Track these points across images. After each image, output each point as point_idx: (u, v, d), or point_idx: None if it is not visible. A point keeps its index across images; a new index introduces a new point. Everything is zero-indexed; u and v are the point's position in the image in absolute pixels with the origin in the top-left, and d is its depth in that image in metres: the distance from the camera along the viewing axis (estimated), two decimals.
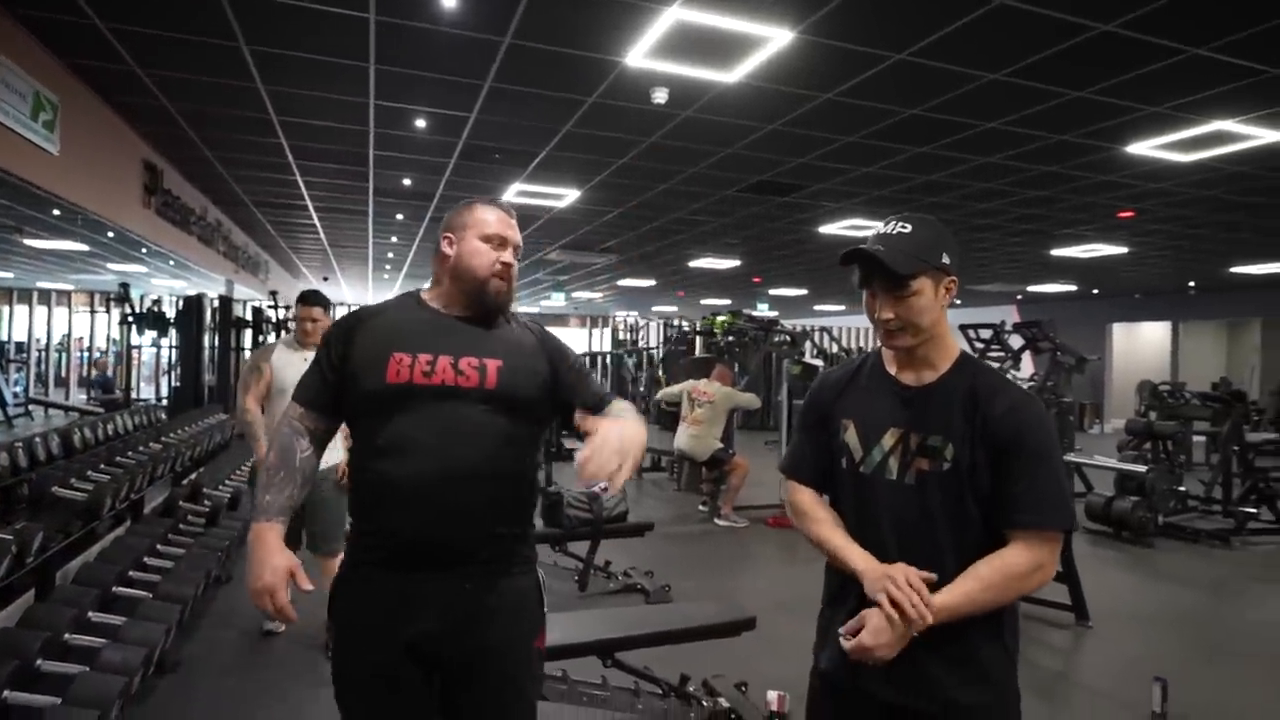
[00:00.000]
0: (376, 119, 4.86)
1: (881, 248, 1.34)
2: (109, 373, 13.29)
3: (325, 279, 15.75)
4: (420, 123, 4.93)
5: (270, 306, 9.14)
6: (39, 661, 2.38)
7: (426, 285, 1.64)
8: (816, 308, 19.35)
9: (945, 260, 1.36)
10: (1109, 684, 3.37)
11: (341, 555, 1.80)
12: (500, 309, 1.57)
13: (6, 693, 2.19)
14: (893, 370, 1.44)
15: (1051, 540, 1.31)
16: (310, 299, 3.50)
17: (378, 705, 1.45)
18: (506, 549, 1.50)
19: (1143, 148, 4.97)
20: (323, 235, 9.93)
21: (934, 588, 1.31)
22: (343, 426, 1.61)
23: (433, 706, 1.47)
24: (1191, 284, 12.57)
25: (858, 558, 1.36)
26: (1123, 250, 9.10)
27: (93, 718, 2.07)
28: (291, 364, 3.36)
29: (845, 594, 1.44)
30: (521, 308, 22.33)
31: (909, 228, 1.36)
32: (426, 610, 1.44)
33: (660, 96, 4.21)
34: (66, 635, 2.62)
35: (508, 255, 1.57)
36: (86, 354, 15.24)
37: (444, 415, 1.45)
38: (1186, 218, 7.19)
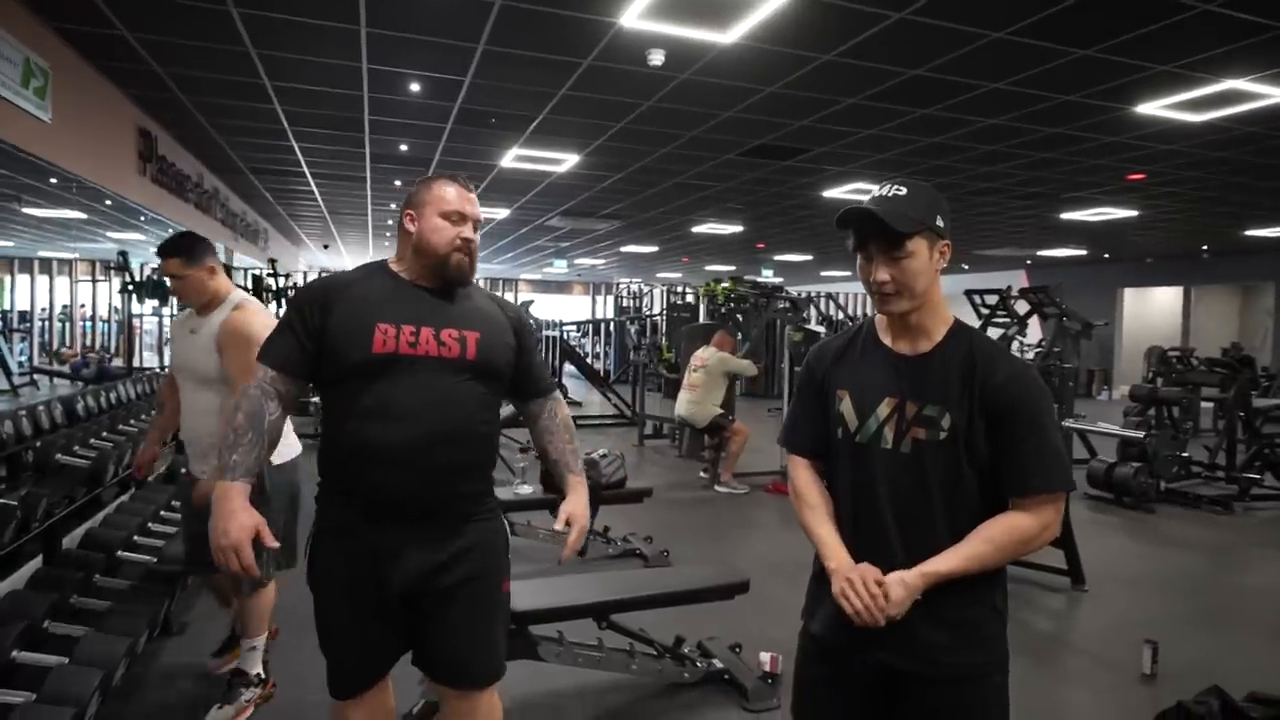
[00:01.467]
0: (370, 83, 4.83)
1: (877, 208, 1.36)
2: (84, 357, 11.19)
3: (325, 247, 15.74)
4: (414, 87, 4.90)
5: (270, 274, 9.15)
6: (46, 623, 2.46)
7: (393, 257, 1.73)
8: (822, 273, 19.25)
9: (940, 223, 1.37)
10: (1100, 646, 3.44)
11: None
12: (462, 281, 1.68)
13: (16, 652, 2.27)
14: (887, 339, 1.45)
15: (1057, 501, 1.35)
16: (166, 250, 2.49)
17: (363, 639, 1.64)
18: (477, 501, 1.68)
19: (1152, 108, 4.90)
20: (321, 202, 9.91)
21: (930, 552, 1.34)
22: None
23: (406, 634, 1.66)
24: (1204, 247, 12.45)
25: (831, 554, 1.42)
26: (1133, 213, 9.00)
27: (98, 676, 2.14)
28: (177, 338, 2.60)
29: (821, 571, 1.48)
30: (525, 274, 22.38)
31: (904, 190, 1.38)
32: (407, 556, 1.59)
33: (657, 59, 4.16)
34: (74, 598, 2.70)
35: (467, 230, 1.66)
36: (89, 323, 15.32)
37: (427, 383, 1.58)
38: (1198, 180, 7.10)
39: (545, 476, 4.33)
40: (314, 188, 8.80)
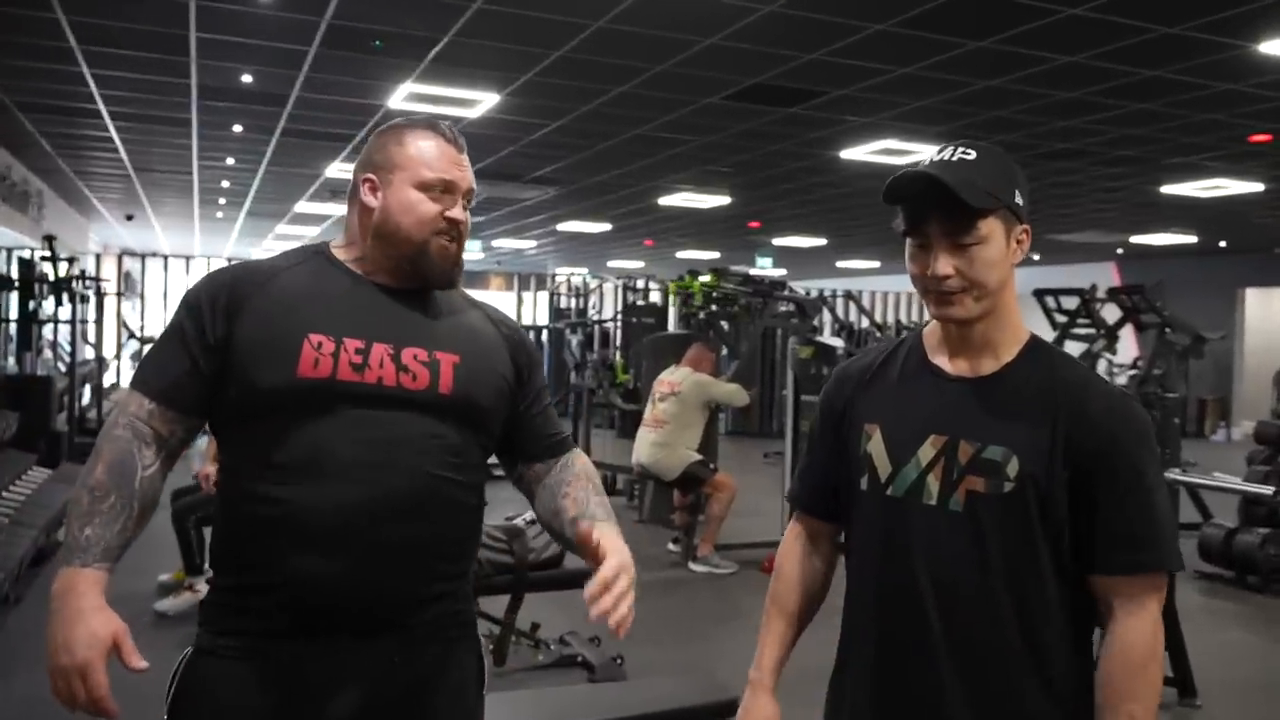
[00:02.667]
0: None
1: (943, 175, 1.36)
2: None
3: (130, 218, 15.45)
4: None
5: (46, 258, 8.91)
6: None
7: (338, 239, 1.66)
8: (840, 265, 19.59)
9: (1019, 201, 1.40)
10: None
11: None
12: (447, 281, 1.61)
13: None
14: (939, 359, 1.47)
15: (1161, 587, 1.39)
16: None
17: None
18: (447, 608, 1.57)
19: (1278, 46, 5.13)
20: (124, 154, 9.73)
21: (992, 659, 1.37)
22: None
23: None
24: None
25: (756, 688, 1.58)
26: (1257, 188, 9.36)
27: None
28: None
29: (845, 656, 1.53)
30: None
31: (973, 154, 1.40)
32: (341, 696, 1.47)
33: None
34: None
35: (457, 210, 1.59)
36: None
37: (378, 426, 1.49)
38: None
39: None
40: (114, 133, 8.64)
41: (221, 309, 1.49)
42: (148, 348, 1.60)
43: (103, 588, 1.40)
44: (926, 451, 1.42)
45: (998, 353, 1.44)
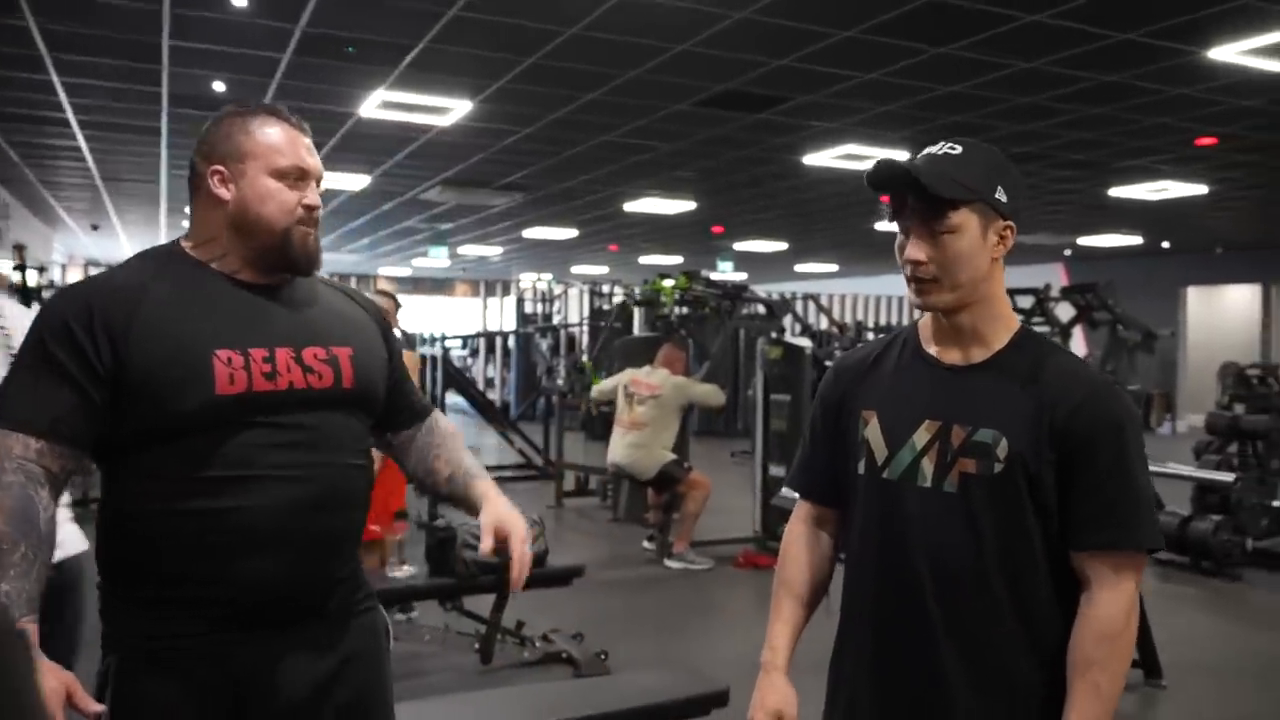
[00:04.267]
0: None
1: (917, 166, 1.41)
2: None
3: (95, 227, 15.17)
4: (239, 1, 4.78)
5: (16, 267, 8.72)
6: None
7: (186, 238, 1.60)
8: (799, 268, 19.72)
9: (1000, 197, 1.42)
10: None
11: None
12: (311, 266, 1.62)
13: None
14: (932, 348, 1.51)
15: (1140, 565, 1.42)
16: None
17: None
18: (354, 586, 1.65)
19: (1229, 52, 5.22)
20: (91, 163, 9.56)
21: (984, 627, 1.40)
22: None
23: None
24: None
25: (769, 669, 1.57)
26: (1201, 189, 9.56)
27: None
28: None
29: (844, 637, 1.57)
30: (387, 268, 22.07)
31: (959, 149, 1.43)
32: (282, 675, 1.52)
33: None
34: None
35: (312, 195, 1.58)
36: None
37: (297, 428, 1.52)
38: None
39: (431, 552, 4.24)
40: (81, 142, 8.48)
41: (102, 336, 1.42)
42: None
43: (36, 640, 1.34)
44: (921, 436, 1.46)
45: (988, 342, 1.47)
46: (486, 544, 1.65)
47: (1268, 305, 15.51)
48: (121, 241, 17.00)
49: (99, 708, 1.38)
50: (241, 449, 1.47)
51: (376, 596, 1.72)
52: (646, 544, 6.71)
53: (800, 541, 1.64)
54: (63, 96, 6.83)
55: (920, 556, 1.43)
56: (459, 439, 1.85)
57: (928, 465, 1.44)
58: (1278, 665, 4.72)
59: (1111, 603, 1.37)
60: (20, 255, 8.73)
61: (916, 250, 1.41)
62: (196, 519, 1.45)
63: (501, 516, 1.67)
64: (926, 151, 1.45)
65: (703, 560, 6.32)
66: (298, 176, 1.56)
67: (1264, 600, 5.89)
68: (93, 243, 17.19)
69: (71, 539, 2.27)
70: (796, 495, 1.74)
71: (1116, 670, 1.38)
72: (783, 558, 1.65)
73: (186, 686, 1.46)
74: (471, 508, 1.74)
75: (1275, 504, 6.72)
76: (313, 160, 1.59)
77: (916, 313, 1.55)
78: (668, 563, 6.32)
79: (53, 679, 1.35)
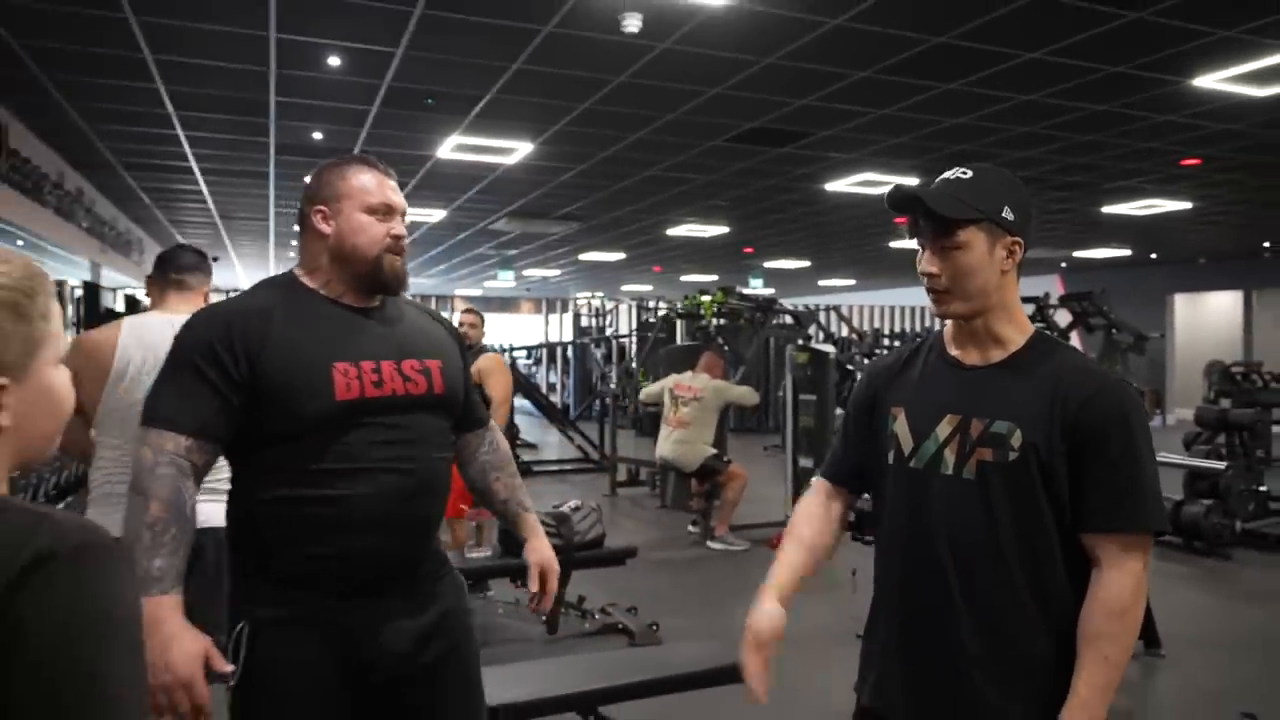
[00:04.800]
0: (279, 57, 4.76)
1: (927, 190, 1.40)
2: None
3: (215, 259, 15.46)
4: (334, 61, 4.85)
5: (146, 294, 8.92)
6: None
7: (299, 268, 1.68)
8: (821, 283, 19.52)
9: (1008, 215, 1.39)
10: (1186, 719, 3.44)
11: None
12: (399, 287, 1.69)
13: None
14: (955, 351, 1.48)
15: (1146, 546, 1.36)
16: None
17: None
18: (439, 555, 1.75)
19: (1211, 80, 5.06)
20: (211, 204, 9.76)
21: (1000, 601, 1.36)
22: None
23: None
24: (1266, 245, 12.89)
25: (765, 594, 1.50)
26: (1185, 206, 9.28)
27: None
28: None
29: (876, 616, 1.53)
30: (462, 290, 22.28)
31: (969, 174, 1.41)
32: (388, 632, 1.58)
33: (632, 24, 4.17)
34: None
35: (399, 226, 1.67)
36: None
37: (399, 428, 1.60)
38: (1261, 165, 7.35)
39: (505, 536, 4.24)
40: (203, 186, 8.66)
41: (240, 351, 1.50)
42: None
43: (181, 609, 1.44)
44: (943, 429, 1.43)
45: (1005, 344, 1.44)
46: (534, 584, 1.87)
47: (1249, 310, 15.07)
48: (237, 271, 17.36)
49: (229, 668, 1.44)
50: (353, 446, 1.55)
51: (450, 564, 1.80)
52: (691, 528, 6.67)
53: (811, 507, 1.61)
54: (186, 148, 6.99)
55: (942, 538, 1.40)
56: (513, 464, 1.97)
57: (950, 455, 1.41)
58: (1266, 637, 4.56)
59: (1120, 581, 1.32)
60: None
61: (930, 264, 1.41)
62: (314, 504, 1.53)
63: (545, 562, 1.88)
64: (942, 176, 1.43)
65: (741, 542, 6.26)
66: (385, 212, 1.64)
67: (1252, 577, 5.68)
68: (215, 273, 17.56)
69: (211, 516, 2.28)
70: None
71: (1124, 643, 1.33)
72: (794, 515, 1.63)
73: (309, 646, 1.53)
74: (517, 533, 1.93)
75: (1262, 489, 6.51)
76: (397, 198, 1.67)
77: (937, 321, 1.52)
78: (710, 544, 6.28)
79: (193, 643, 1.42)
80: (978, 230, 1.37)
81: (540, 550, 1.88)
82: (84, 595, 0.79)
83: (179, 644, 1.39)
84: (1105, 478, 1.34)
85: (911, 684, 1.43)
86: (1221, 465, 6.25)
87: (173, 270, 2.71)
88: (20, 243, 8.54)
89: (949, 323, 1.49)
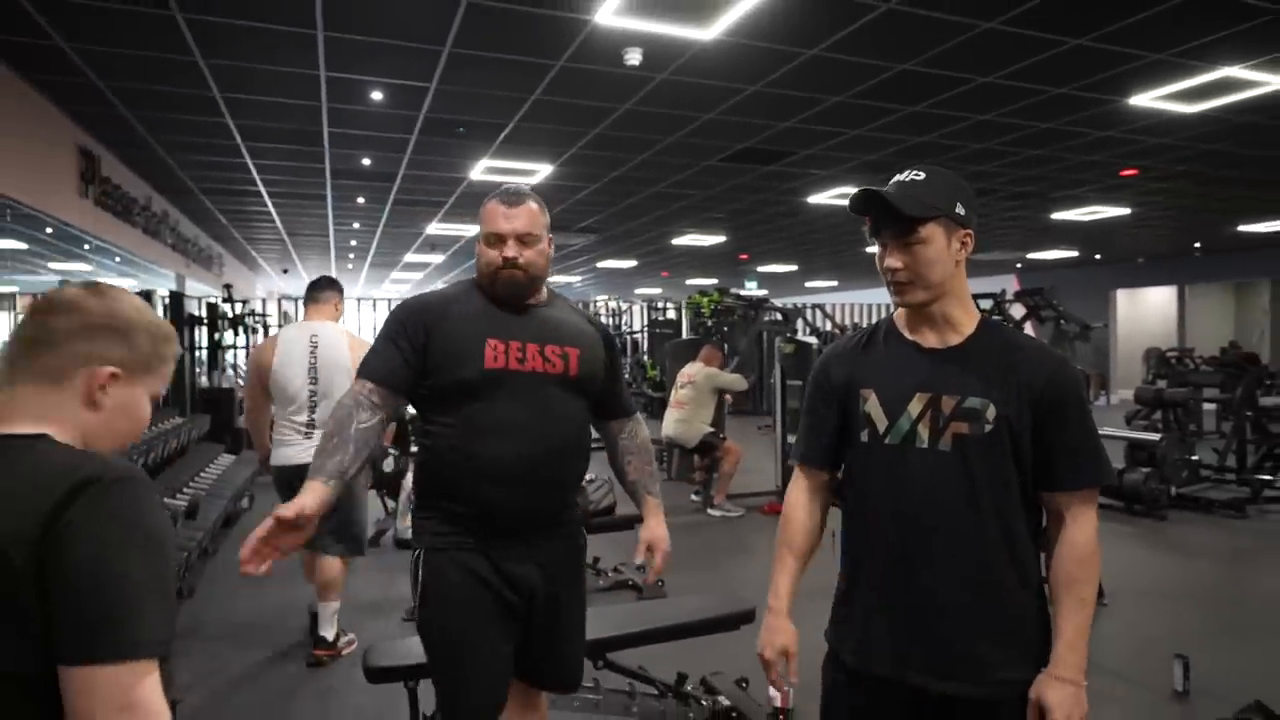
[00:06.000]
0: (329, 92, 4.74)
1: (891, 190, 1.36)
2: None
3: (285, 271, 15.55)
4: (376, 95, 4.82)
5: (225, 300, 8.97)
6: None
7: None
8: (807, 284, 19.39)
9: (960, 211, 1.36)
10: (1127, 663, 3.38)
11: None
12: (516, 298, 1.74)
13: None
14: (912, 335, 1.43)
15: (1096, 500, 1.37)
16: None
17: (493, 654, 1.68)
18: (570, 512, 1.82)
19: (1146, 99, 4.95)
20: (279, 223, 9.77)
21: (979, 561, 1.33)
22: None
23: (517, 649, 1.75)
24: (1197, 245, 12.67)
25: (775, 613, 1.49)
26: (1125, 211, 9.12)
27: None
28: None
29: (853, 575, 1.47)
30: None
31: (923, 175, 1.37)
32: (522, 569, 1.69)
33: (634, 58, 4.12)
34: None
35: (509, 250, 1.70)
36: None
37: (535, 398, 1.68)
38: (1192, 174, 7.20)
39: None
40: (270, 207, 8.67)
41: (421, 325, 1.69)
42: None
43: (319, 494, 1.53)
44: (915, 406, 1.38)
45: (959, 328, 1.40)
46: (641, 554, 1.87)
47: (1182, 303, 14.85)
48: (304, 280, 17.39)
49: (290, 513, 1.45)
50: (496, 411, 1.64)
51: (580, 524, 1.87)
52: (693, 497, 6.63)
53: (799, 507, 1.53)
54: (254, 174, 6.99)
55: (922, 505, 1.36)
56: (650, 454, 1.98)
57: (923, 430, 1.37)
58: (1198, 588, 4.48)
59: (1085, 531, 1.33)
60: (229, 291, 8.98)
61: (894, 260, 1.36)
62: (462, 458, 1.65)
63: (651, 539, 1.87)
64: (896, 179, 1.39)
65: (737, 509, 6.21)
66: (496, 240, 1.72)
67: (1186, 535, 5.59)
68: (284, 283, 17.67)
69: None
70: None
71: (1093, 584, 1.34)
72: (784, 521, 1.55)
73: (462, 569, 1.67)
74: (640, 512, 1.93)
75: (1194, 458, 6.41)
76: (509, 225, 1.71)
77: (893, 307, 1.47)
78: (710, 511, 6.23)
79: (300, 502, 1.48)
80: (936, 226, 1.34)
81: (652, 529, 1.88)
82: (118, 512, 0.88)
83: (300, 499, 1.49)
84: (1068, 444, 1.33)
85: (898, 640, 1.37)
86: (1157, 437, 6.14)
87: (309, 293, 3.54)
88: (117, 259, 8.59)
89: (900, 311, 1.44)
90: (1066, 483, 1.33)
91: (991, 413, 1.33)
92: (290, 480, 3.20)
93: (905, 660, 1.35)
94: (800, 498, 1.54)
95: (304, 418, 3.28)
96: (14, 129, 4.44)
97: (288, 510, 1.45)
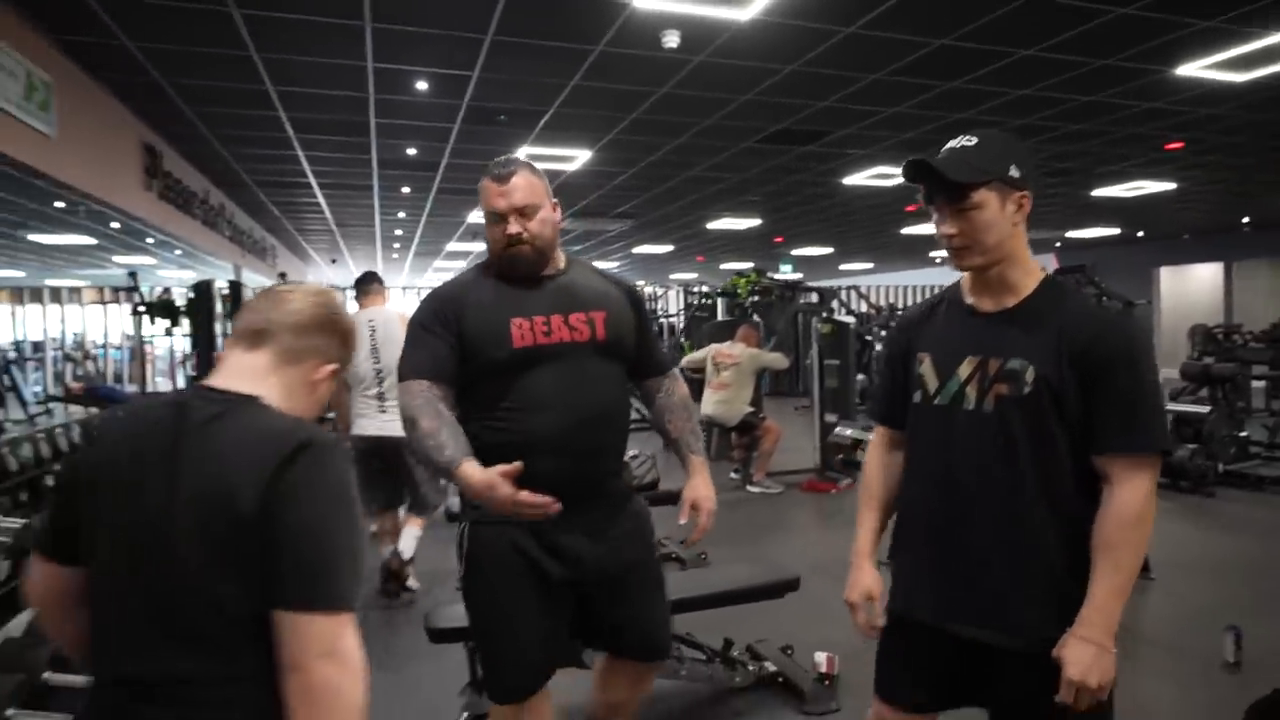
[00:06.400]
0: (376, 83, 4.81)
1: (938, 159, 1.35)
2: (89, 382, 11.38)
3: (333, 261, 15.84)
4: (421, 85, 4.87)
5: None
6: None
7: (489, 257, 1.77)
8: (842, 267, 19.13)
9: (1014, 173, 1.34)
10: (1177, 636, 3.32)
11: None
12: (529, 272, 1.69)
13: (47, 674, 2.23)
14: (971, 299, 1.44)
15: (1154, 466, 1.31)
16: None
17: (535, 628, 1.65)
18: (619, 480, 1.76)
19: (1192, 69, 4.77)
20: (328, 214, 9.95)
21: (1020, 519, 1.32)
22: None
23: (572, 625, 1.71)
24: (1245, 220, 12.20)
25: (857, 556, 1.52)
26: (1170, 186, 8.83)
27: None
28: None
29: (903, 533, 1.50)
30: None
31: (974, 140, 1.36)
32: (570, 543, 1.64)
33: (672, 40, 4.10)
34: None
35: (512, 227, 1.65)
36: (101, 350, 15.40)
37: (566, 369, 1.65)
38: (1239, 146, 6.93)
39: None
40: (320, 198, 8.83)
41: (452, 313, 1.65)
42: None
43: (471, 463, 1.51)
44: (964, 369, 1.39)
45: (1017, 290, 1.39)
46: (685, 513, 1.77)
47: (1229, 279, 14.33)
48: (351, 269, 17.73)
49: (509, 473, 1.46)
50: (531, 384, 1.61)
51: (633, 492, 1.81)
52: (733, 475, 6.62)
53: (878, 462, 1.59)
54: (305, 165, 7.13)
55: (966, 464, 1.36)
56: (688, 409, 1.89)
57: (971, 391, 1.37)
58: (1247, 562, 4.36)
59: (1130, 496, 1.28)
60: (284, 279, 9.16)
61: (949, 226, 1.36)
62: (504, 433, 1.61)
63: (695, 498, 1.78)
64: (948, 146, 1.38)
65: (776, 485, 6.20)
66: (497, 218, 1.66)
67: (1235, 512, 5.43)
68: (332, 272, 18.02)
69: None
70: (848, 432, 1.67)
71: (1134, 552, 1.29)
72: (865, 475, 1.61)
73: (503, 541, 1.63)
74: (684, 467, 1.86)
75: (1242, 434, 6.21)
76: (504, 202, 1.65)
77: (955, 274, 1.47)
78: (749, 488, 6.23)
79: (492, 473, 1.47)
80: (989, 190, 1.33)
81: (695, 488, 1.79)
82: (329, 473, 0.99)
83: (485, 476, 1.46)
84: (1114, 405, 1.29)
85: (940, 590, 1.40)
86: (1206, 409, 5.97)
87: (360, 287, 3.88)
88: (177, 252, 8.85)
89: (965, 275, 1.45)
90: (1111, 445, 1.30)
91: (1030, 374, 1.31)
92: (367, 449, 3.55)
93: (946, 610, 1.37)
94: (877, 453, 1.60)
95: (374, 392, 3.62)
96: (85, 126, 4.59)
97: (503, 475, 1.49)
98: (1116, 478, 1.29)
